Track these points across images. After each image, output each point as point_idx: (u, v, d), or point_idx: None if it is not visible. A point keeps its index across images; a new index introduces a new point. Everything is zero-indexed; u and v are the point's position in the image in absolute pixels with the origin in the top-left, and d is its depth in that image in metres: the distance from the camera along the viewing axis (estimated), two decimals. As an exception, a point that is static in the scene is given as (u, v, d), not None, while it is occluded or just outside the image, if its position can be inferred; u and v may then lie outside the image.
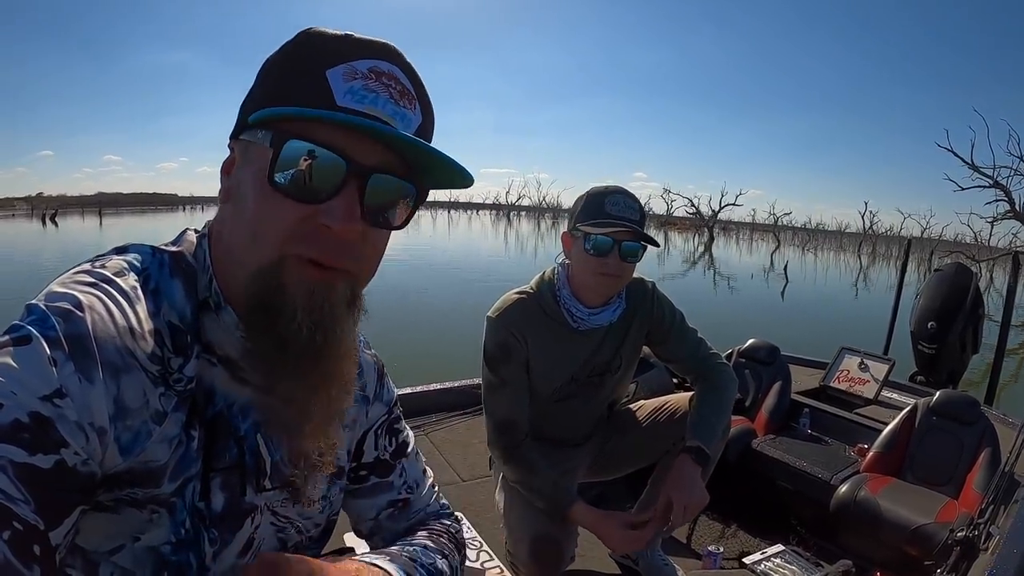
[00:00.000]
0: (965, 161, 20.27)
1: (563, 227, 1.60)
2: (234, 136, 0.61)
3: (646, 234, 1.48)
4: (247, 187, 0.57)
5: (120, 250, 0.61)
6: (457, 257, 21.47)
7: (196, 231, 0.65)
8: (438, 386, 2.74)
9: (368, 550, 0.90)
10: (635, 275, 1.66)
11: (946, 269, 3.84)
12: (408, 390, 2.63)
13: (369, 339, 0.84)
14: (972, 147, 21.43)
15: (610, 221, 1.45)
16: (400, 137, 0.56)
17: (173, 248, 0.62)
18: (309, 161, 0.54)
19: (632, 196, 1.50)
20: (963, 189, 20.65)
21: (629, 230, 1.46)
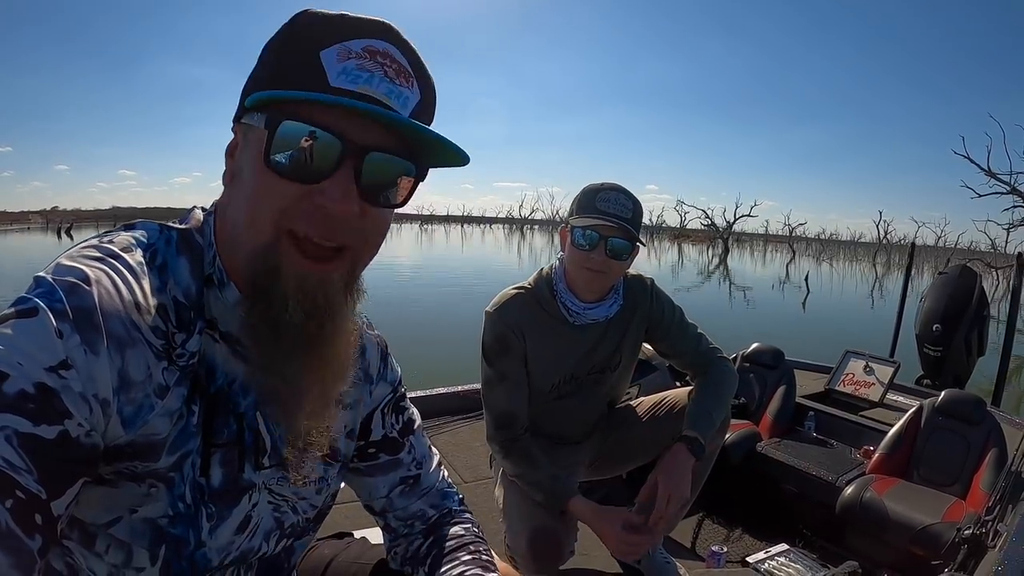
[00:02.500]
0: (982, 168, 20.02)
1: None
2: (236, 120, 0.61)
3: (632, 231, 1.47)
4: (248, 169, 0.58)
5: (128, 226, 0.61)
6: (469, 271, 21.41)
7: (203, 209, 0.66)
8: (442, 390, 2.75)
9: (371, 530, 0.93)
10: (634, 272, 1.66)
11: (951, 272, 3.82)
12: (412, 394, 2.65)
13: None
14: (988, 153, 21.23)
15: (597, 216, 1.45)
16: (383, 116, 0.56)
17: (181, 226, 0.63)
18: (307, 142, 0.55)
19: (627, 194, 1.50)
20: (980, 196, 20.40)
21: (616, 226, 1.45)
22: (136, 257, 0.57)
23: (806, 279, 21.55)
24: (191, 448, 0.60)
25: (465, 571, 0.79)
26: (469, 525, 0.89)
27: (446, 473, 0.92)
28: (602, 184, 1.51)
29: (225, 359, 0.63)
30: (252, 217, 0.57)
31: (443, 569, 0.80)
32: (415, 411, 0.89)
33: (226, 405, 0.63)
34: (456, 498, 0.92)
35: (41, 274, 0.53)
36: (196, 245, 0.61)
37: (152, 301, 0.56)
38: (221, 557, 0.66)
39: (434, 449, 0.92)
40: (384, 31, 0.59)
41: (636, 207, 1.50)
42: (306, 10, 0.59)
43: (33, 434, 0.47)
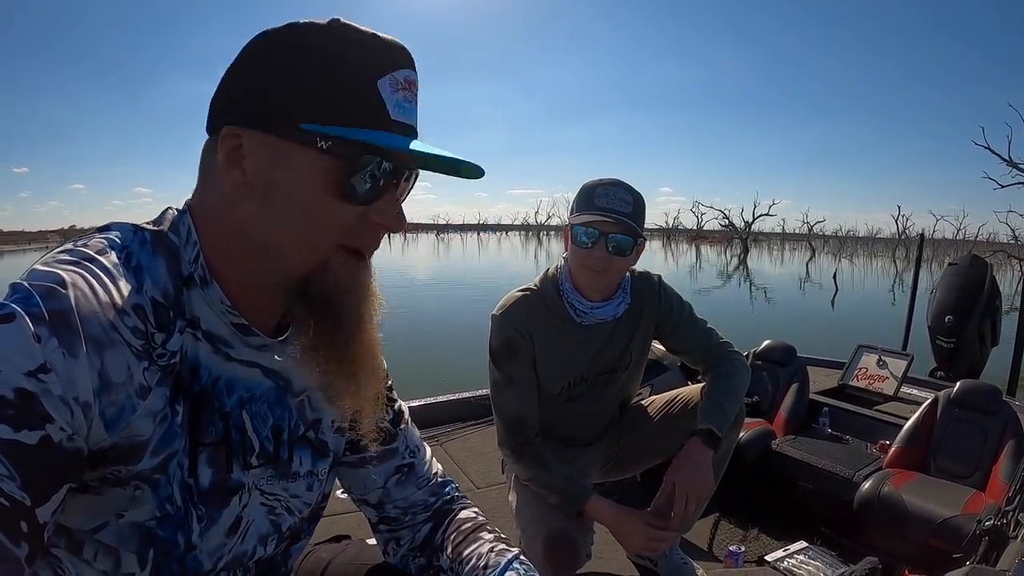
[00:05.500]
0: (1003, 158, 19.63)
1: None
2: (245, 124, 0.59)
3: (633, 227, 1.44)
4: (297, 190, 0.59)
5: (102, 229, 0.61)
6: (481, 277, 21.34)
7: (177, 209, 0.65)
8: (453, 397, 2.76)
9: (372, 538, 0.92)
10: (641, 269, 1.65)
11: (961, 262, 3.76)
12: (423, 401, 2.67)
13: (388, 352, 0.86)
14: (1009, 143, 20.77)
15: (596, 213, 1.43)
16: (474, 173, 0.65)
17: (155, 227, 0.62)
18: (372, 170, 0.60)
19: (626, 188, 1.46)
20: (1003, 187, 20.06)
21: (616, 222, 1.42)
22: (111, 259, 0.57)
23: (834, 277, 21.23)
24: (176, 448, 0.60)
25: (494, 546, 0.82)
26: (477, 509, 0.90)
27: (440, 467, 0.93)
28: (600, 180, 1.48)
29: (208, 357, 0.63)
30: (309, 236, 0.61)
31: (469, 549, 0.82)
32: (403, 403, 0.90)
33: (211, 404, 0.63)
34: (454, 487, 0.92)
35: (16, 280, 0.53)
36: (172, 245, 0.61)
37: (130, 301, 0.55)
38: (213, 560, 0.66)
39: (425, 444, 0.93)
40: (411, 59, 0.63)
41: (637, 201, 1.46)
42: (341, 23, 0.59)
43: (14, 440, 0.47)
